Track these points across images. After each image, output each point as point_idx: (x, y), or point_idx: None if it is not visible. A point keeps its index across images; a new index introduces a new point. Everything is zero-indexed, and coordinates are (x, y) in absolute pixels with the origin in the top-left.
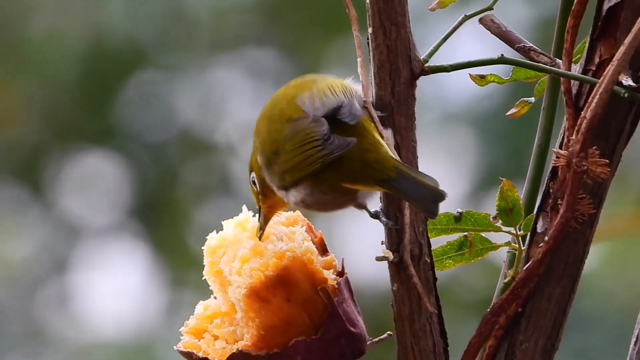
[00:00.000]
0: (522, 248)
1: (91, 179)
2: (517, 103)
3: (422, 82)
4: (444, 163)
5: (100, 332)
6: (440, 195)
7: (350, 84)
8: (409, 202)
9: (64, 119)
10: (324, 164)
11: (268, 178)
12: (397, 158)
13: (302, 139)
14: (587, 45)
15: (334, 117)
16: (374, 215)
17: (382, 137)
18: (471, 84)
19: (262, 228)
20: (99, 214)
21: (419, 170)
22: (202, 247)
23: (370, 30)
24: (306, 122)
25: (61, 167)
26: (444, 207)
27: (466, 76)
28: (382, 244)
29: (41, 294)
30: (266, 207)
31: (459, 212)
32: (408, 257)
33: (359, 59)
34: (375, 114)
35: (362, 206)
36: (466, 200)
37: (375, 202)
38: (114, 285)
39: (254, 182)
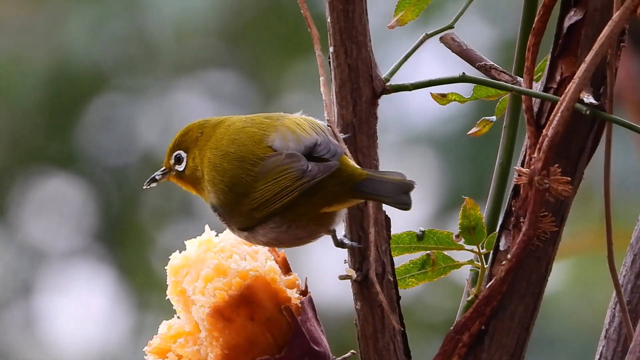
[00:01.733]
0: (485, 266)
1: (54, 203)
2: (478, 122)
3: (384, 102)
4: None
5: (65, 356)
6: (408, 186)
7: (315, 120)
8: (382, 201)
9: (26, 143)
10: (302, 191)
11: (225, 219)
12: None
13: (277, 174)
14: (548, 63)
15: (309, 155)
16: (339, 244)
17: (345, 152)
18: (433, 103)
19: (155, 179)
20: (62, 238)
21: (384, 170)
22: (166, 268)
23: (331, 49)
24: (279, 159)
25: (24, 191)
26: (406, 226)
27: (428, 95)
28: (345, 262)
29: (5, 318)
30: (176, 180)
31: (422, 231)
32: (373, 274)
33: (321, 78)
34: (338, 133)
35: (330, 230)
36: (430, 220)
37: (340, 226)
38: (78, 308)
39: (178, 159)
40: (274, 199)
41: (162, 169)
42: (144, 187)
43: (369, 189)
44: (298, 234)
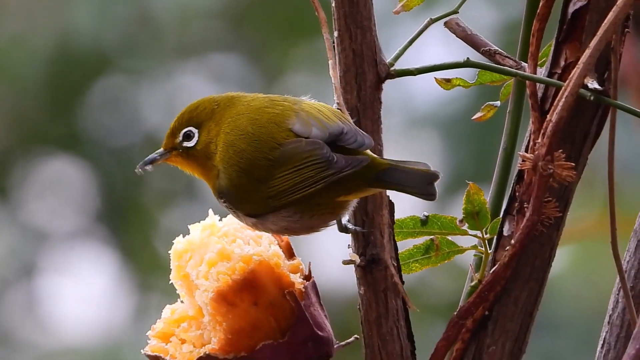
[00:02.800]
0: (489, 251)
1: (57, 184)
2: (482, 107)
3: (388, 86)
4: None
5: (68, 337)
6: (434, 176)
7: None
8: (406, 192)
9: (30, 124)
10: (327, 184)
11: (232, 204)
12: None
13: (299, 162)
14: (552, 48)
15: (332, 143)
16: (343, 229)
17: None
18: (437, 87)
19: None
20: (65, 219)
21: (406, 160)
22: (169, 251)
23: (336, 34)
24: (300, 146)
25: (27, 172)
26: (410, 211)
27: (432, 80)
28: (348, 247)
29: (8, 299)
30: (178, 160)
31: (426, 216)
32: (388, 256)
33: (330, 61)
34: (348, 116)
35: (339, 220)
36: (433, 204)
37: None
38: (81, 290)
39: (187, 136)
40: (295, 189)
41: (160, 150)
42: (137, 170)
43: (392, 179)
44: (311, 224)
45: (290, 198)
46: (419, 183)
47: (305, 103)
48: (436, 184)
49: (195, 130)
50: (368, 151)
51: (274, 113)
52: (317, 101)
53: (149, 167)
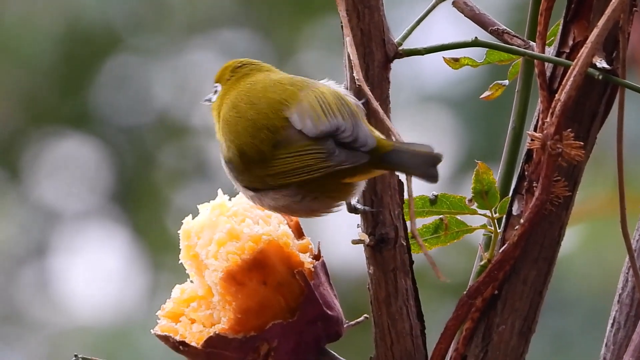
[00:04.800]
0: (498, 231)
1: (68, 163)
2: (490, 86)
3: (396, 66)
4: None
5: (79, 316)
6: (436, 158)
7: (345, 95)
8: (408, 173)
9: (41, 104)
10: (324, 174)
11: (232, 174)
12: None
13: (301, 149)
14: (560, 27)
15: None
16: (352, 209)
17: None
18: (445, 67)
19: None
20: (77, 198)
21: (410, 142)
22: (179, 231)
23: (344, 13)
24: (299, 137)
25: (38, 151)
26: (419, 190)
27: (440, 59)
28: (357, 227)
29: (20, 278)
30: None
31: (434, 195)
32: (402, 232)
33: (347, 39)
34: (369, 91)
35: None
36: (441, 183)
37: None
38: (92, 269)
39: (216, 91)
40: (294, 173)
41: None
42: (202, 102)
43: (395, 160)
44: (313, 207)
45: (290, 180)
46: (422, 165)
47: (314, 90)
48: (440, 165)
49: (219, 89)
50: (376, 132)
51: (272, 99)
52: (332, 85)
53: (207, 103)
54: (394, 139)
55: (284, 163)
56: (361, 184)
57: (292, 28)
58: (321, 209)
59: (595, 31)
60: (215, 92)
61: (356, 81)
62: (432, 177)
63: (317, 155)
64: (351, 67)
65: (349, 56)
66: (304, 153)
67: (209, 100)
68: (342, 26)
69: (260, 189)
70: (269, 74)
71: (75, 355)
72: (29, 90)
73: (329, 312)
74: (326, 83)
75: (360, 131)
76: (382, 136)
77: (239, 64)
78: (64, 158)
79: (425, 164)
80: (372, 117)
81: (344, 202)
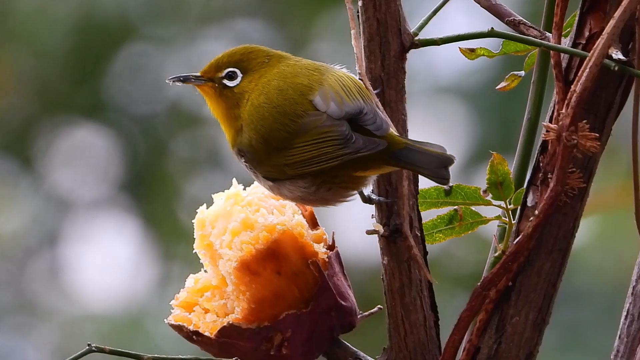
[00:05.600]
0: (513, 222)
1: (81, 152)
2: (506, 77)
3: (412, 56)
4: (435, 137)
5: (91, 305)
6: (448, 160)
7: (361, 82)
8: (419, 172)
9: (54, 92)
10: (342, 162)
11: (251, 164)
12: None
13: (317, 136)
14: (577, 18)
15: (352, 121)
16: (367, 200)
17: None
18: (461, 57)
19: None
20: (89, 187)
21: (424, 141)
22: (193, 221)
23: (360, 3)
24: (320, 120)
25: (51, 140)
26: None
27: (456, 50)
28: (372, 217)
29: (32, 267)
30: (212, 93)
31: (449, 186)
32: (407, 227)
33: (352, 31)
34: (370, 86)
35: (362, 191)
36: (456, 173)
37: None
38: (104, 258)
39: (231, 76)
40: (311, 162)
41: (199, 75)
42: (167, 81)
43: (407, 158)
44: (326, 197)
45: (307, 169)
46: (434, 165)
47: (333, 74)
48: (455, 157)
49: (240, 75)
50: (391, 130)
51: (301, 84)
52: (348, 72)
53: (179, 84)
54: (409, 139)
55: (302, 151)
56: (373, 176)
57: (305, 18)
58: (335, 199)
59: (612, 22)
60: (231, 77)
61: (358, 75)
62: (443, 178)
63: (334, 142)
64: (367, 58)
65: (364, 47)
66: (321, 140)
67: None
68: (358, 16)
69: (278, 178)
70: (294, 62)
71: (89, 345)
72: (43, 79)
73: (343, 303)
74: (341, 69)
75: (378, 115)
76: (396, 132)
77: (268, 53)
78: (77, 147)
79: (437, 165)
80: (387, 106)
81: (356, 191)
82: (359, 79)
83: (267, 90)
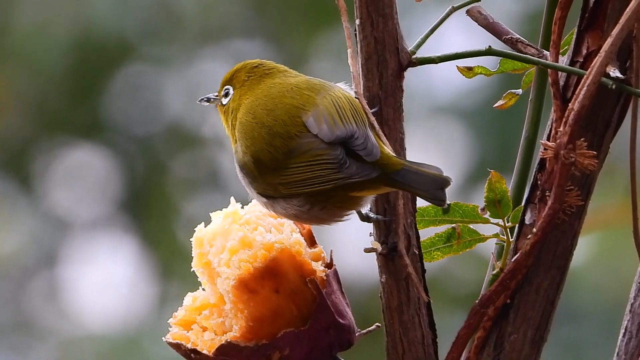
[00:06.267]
0: (511, 240)
1: (79, 172)
2: (504, 95)
3: (410, 74)
4: (433, 155)
5: (89, 325)
6: (445, 182)
7: (358, 102)
8: (416, 194)
9: (52, 112)
10: (336, 186)
11: (247, 180)
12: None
13: (312, 158)
14: (574, 36)
15: (345, 144)
16: (364, 218)
17: (379, 136)
18: (459, 76)
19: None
20: (87, 207)
21: (420, 162)
22: (191, 239)
23: (357, 21)
24: (315, 143)
25: (49, 160)
26: None
27: (452, 69)
28: (370, 235)
29: (30, 287)
30: (220, 112)
31: (447, 204)
32: (402, 246)
33: (349, 50)
34: (369, 109)
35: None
36: (455, 192)
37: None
38: (103, 277)
39: (226, 94)
40: (305, 183)
41: (216, 94)
42: (198, 102)
43: (404, 179)
44: (321, 216)
45: (301, 190)
46: (430, 187)
47: (330, 94)
48: (453, 175)
49: (232, 91)
50: (385, 149)
51: (290, 105)
52: (347, 89)
53: (205, 104)
54: (406, 160)
55: (296, 172)
56: (369, 197)
57: (304, 37)
58: (330, 219)
59: (609, 40)
60: (227, 94)
61: (355, 94)
62: (439, 200)
63: (329, 166)
64: (365, 76)
65: (362, 66)
66: (315, 163)
67: (216, 101)
68: (356, 35)
69: (272, 196)
70: (286, 77)
71: None
72: (41, 98)
73: (341, 321)
74: (341, 87)
75: (369, 140)
76: (392, 153)
77: (256, 65)
78: (75, 167)
79: (433, 187)
80: (385, 124)
81: (353, 211)
82: (355, 97)
83: (253, 109)
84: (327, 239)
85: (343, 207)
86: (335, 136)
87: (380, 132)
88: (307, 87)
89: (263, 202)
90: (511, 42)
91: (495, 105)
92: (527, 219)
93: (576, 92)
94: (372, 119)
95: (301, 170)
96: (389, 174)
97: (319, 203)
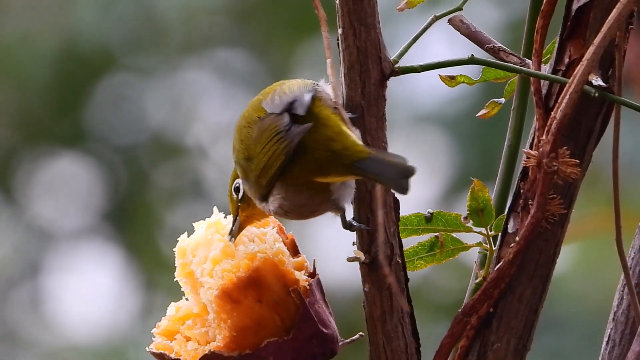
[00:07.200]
0: (493, 248)
1: (63, 182)
2: (487, 104)
3: (393, 84)
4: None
5: (73, 335)
6: (409, 170)
7: (312, 82)
8: (380, 183)
9: (35, 122)
10: (288, 155)
11: (248, 192)
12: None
13: (268, 135)
14: (556, 45)
15: (291, 112)
16: (347, 226)
17: (346, 123)
18: (441, 85)
19: (234, 235)
20: (70, 217)
21: (387, 151)
22: (174, 249)
23: (340, 31)
24: (269, 119)
25: (32, 171)
26: (414, 208)
27: (435, 78)
28: (353, 244)
29: (13, 297)
30: (244, 216)
31: (430, 213)
32: (382, 256)
33: (328, 60)
34: (345, 114)
35: (339, 209)
36: (438, 201)
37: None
38: (86, 288)
39: (237, 189)
40: (268, 164)
41: (232, 221)
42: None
43: (368, 167)
44: (297, 200)
45: (269, 173)
46: (393, 175)
47: (289, 82)
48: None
49: (240, 182)
50: (351, 137)
51: (255, 100)
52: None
53: (232, 239)
54: (373, 149)
55: (262, 155)
56: (341, 185)
57: (287, 47)
58: (309, 205)
59: (591, 49)
60: (237, 188)
61: (335, 104)
62: (403, 189)
63: (278, 137)
64: (347, 85)
65: (344, 75)
66: (270, 139)
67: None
68: (338, 44)
69: (264, 195)
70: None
71: None
72: (24, 109)
73: (325, 330)
74: (321, 84)
75: (302, 98)
76: (359, 142)
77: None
78: (58, 177)
79: (396, 174)
80: (368, 134)
81: (333, 206)
82: (334, 107)
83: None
84: (310, 249)
85: (315, 191)
86: (283, 103)
87: (348, 120)
88: (276, 84)
89: (262, 207)
90: (493, 51)
91: (478, 114)
92: (510, 228)
93: (558, 101)
94: (349, 123)
95: (264, 151)
96: (353, 162)
97: (291, 186)
